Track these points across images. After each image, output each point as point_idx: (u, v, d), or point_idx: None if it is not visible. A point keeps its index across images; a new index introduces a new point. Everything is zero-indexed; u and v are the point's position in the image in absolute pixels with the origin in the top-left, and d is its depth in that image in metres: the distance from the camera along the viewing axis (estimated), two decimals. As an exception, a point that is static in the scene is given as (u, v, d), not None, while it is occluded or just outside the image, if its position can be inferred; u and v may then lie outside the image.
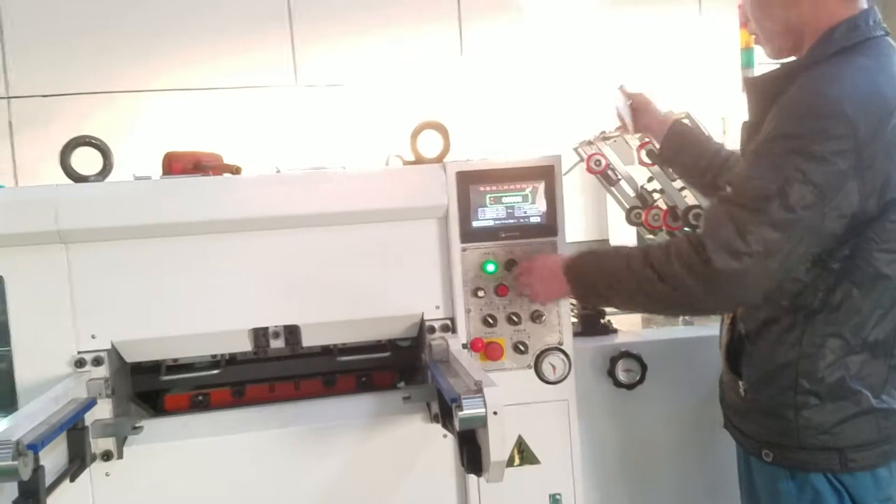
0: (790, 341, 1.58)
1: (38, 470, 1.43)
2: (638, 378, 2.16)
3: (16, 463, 1.33)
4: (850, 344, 1.55)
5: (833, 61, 1.54)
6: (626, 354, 2.16)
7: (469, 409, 1.49)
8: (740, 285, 1.50)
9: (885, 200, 1.48)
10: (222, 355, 2.08)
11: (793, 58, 1.66)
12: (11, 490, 1.43)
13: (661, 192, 2.55)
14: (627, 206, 2.68)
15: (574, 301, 2.11)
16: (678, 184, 2.44)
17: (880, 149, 1.45)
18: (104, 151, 1.90)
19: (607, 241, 4.52)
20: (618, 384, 2.17)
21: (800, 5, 1.61)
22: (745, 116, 1.70)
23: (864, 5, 1.60)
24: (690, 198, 2.42)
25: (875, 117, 1.45)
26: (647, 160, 2.42)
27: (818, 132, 1.45)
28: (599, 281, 1.73)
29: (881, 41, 1.58)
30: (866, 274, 1.52)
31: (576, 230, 4.75)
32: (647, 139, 2.39)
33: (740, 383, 1.69)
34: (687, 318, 2.47)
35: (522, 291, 1.97)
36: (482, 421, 1.49)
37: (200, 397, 2.09)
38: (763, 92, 1.63)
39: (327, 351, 2.14)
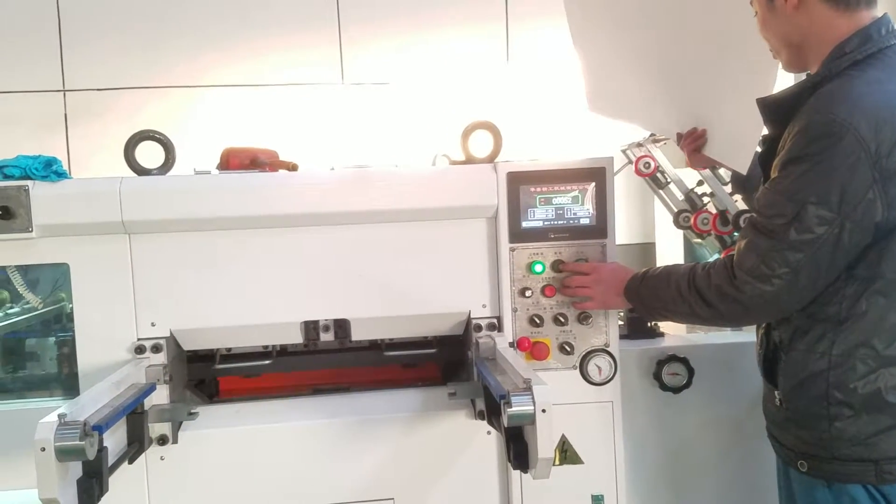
0: (820, 351, 1.58)
1: (102, 451, 1.49)
2: (685, 382, 2.15)
3: (83, 443, 1.39)
4: (884, 355, 1.53)
5: (843, 77, 1.55)
6: (672, 358, 2.15)
7: (518, 406, 1.52)
8: (776, 304, 1.59)
9: None
10: (274, 346, 2.13)
11: (805, 73, 1.67)
12: (76, 470, 1.48)
13: (711, 195, 2.53)
14: (676, 210, 2.66)
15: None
16: (729, 188, 2.42)
17: None
18: (167, 146, 1.96)
19: (653, 244, 4.49)
20: (664, 388, 2.16)
21: (796, 21, 1.62)
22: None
23: (875, 14, 1.59)
24: (741, 202, 2.40)
25: (891, 128, 1.46)
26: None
27: (828, 150, 1.48)
28: (657, 304, 1.84)
29: (895, 49, 1.57)
30: (891, 282, 1.52)
31: (620, 233, 4.70)
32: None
33: (776, 393, 1.68)
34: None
35: (576, 293, 1.99)
36: (531, 418, 1.51)
37: (253, 386, 2.14)
38: (776, 111, 1.65)
39: (375, 345, 2.18)
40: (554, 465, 2.01)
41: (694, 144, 2.08)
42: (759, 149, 1.76)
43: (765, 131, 1.70)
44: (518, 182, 1.98)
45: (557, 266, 2.01)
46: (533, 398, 1.51)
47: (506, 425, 1.55)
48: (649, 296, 1.84)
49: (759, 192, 1.64)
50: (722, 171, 2.45)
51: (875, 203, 1.48)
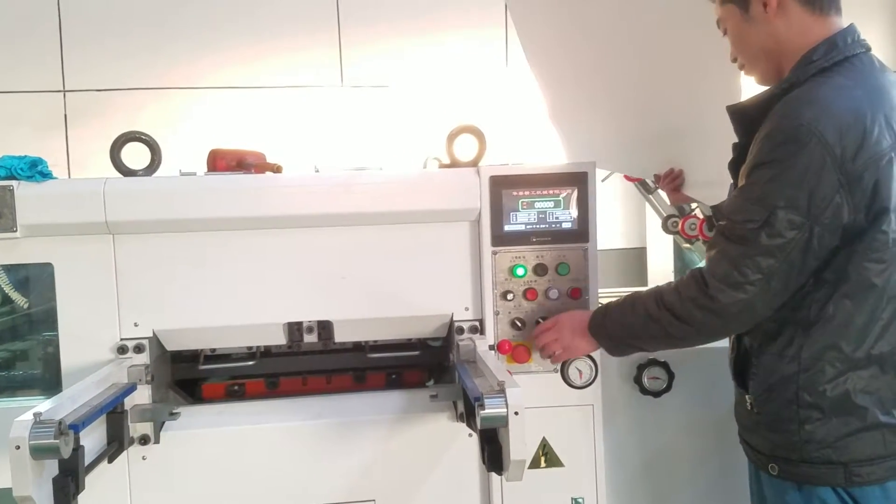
0: (790, 354, 1.59)
1: (78, 449, 1.51)
2: (665, 386, 2.15)
3: (57, 441, 1.41)
4: (852, 358, 1.55)
5: (810, 83, 1.57)
6: (653, 362, 2.15)
7: (491, 409, 1.52)
8: (750, 310, 1.59)
9: (874, 211, 1.50)
10: (258, 347, 2.15)
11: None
12: (52, 468, 1.50)
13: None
14: (664, 215, 2.68)
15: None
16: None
17: (867, 161, 1.48)
18: (153, 147, 1.98)
19: (645, 248, 4.50)
20: (644, 391, 2.16)
21: (775, 26, 1.63)
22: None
23: (842, 24, 1.62)
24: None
25: (855, 133, 1.48)
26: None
27: (794, 155, 1.49)
28: (625, 334, 1.81)
29: (861, 58, 1.59)
30: (857, 284, 1.53)
31: (614, 238, 4.74)
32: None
33: (747, 397, 1.69)
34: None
35: (547, 349, 1.94)
36: (503, 420, 1.52)
37: (236, 387, 2.16)
38: (745, 118, 1.66)
39: (358, 347, 2.19)
40: (537, 467, 2.03)
41: (673, 184, 2.10)
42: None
43: (735, 139, 1.70)
44: (501, 186, 1.99)
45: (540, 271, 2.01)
46: (506, 400, 1.52)
47: (479, 427, 1.56)
48: (616, 327, 1.81)
49: (727, 200, 1.65)
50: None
51: (842, 206, 1.49)
